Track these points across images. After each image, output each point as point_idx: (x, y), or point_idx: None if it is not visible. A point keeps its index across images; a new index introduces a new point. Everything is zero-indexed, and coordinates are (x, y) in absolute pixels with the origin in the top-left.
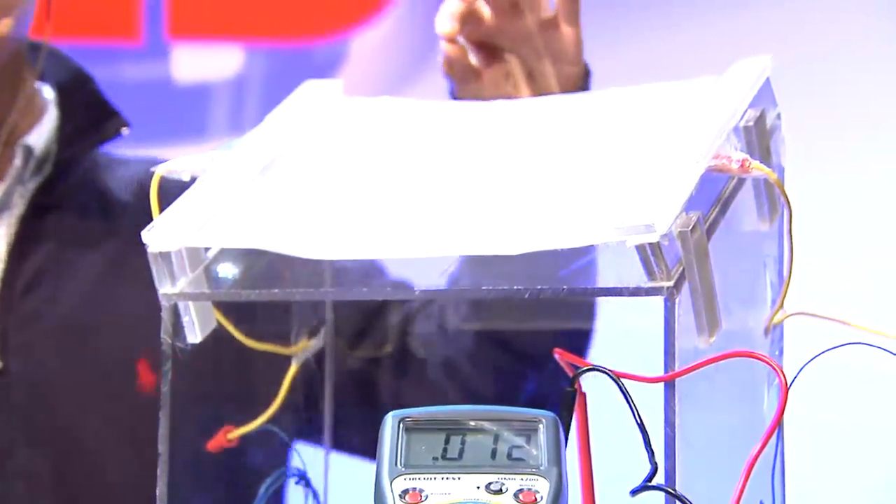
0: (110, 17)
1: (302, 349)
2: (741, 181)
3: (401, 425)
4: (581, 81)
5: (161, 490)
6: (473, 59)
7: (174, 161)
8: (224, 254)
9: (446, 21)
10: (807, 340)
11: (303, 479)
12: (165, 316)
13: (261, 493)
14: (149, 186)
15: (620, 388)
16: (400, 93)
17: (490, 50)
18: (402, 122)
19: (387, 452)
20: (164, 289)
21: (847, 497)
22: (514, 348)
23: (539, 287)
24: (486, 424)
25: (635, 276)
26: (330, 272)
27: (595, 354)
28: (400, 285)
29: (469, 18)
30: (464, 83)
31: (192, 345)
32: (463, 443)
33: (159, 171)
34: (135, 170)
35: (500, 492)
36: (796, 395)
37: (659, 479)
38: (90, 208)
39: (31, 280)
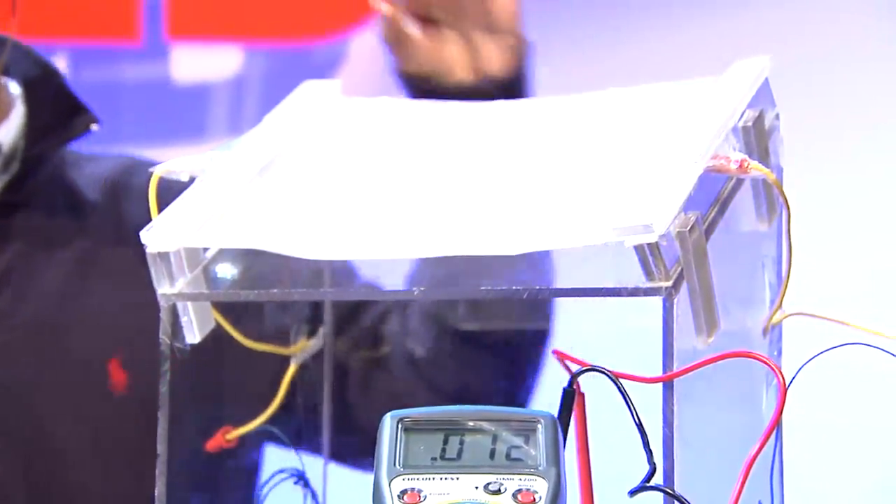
0: (109, 17)
1: (301, 349)
2: (740, 181)
3: (399, 425)
4: (519, 53)
5: (160, 490)
6: (411, 28)
7: (173, 161)
8: (223, 254)
9: None
10: (805, 341)
11: (301, 479)
12: (164, 316)
13: (259, 493)
14: (119, 184)
15: (619, 388)
16: (399, 93)
17: (426, 20)
18: (401, 123)
19: (385, 453)
20: (163, 289)
21: (846, 497)
22: (476, 346)
23: (538, 287)
24: (485, 425)
25: (634, 276)
26: (329, 272)
27: (594, 354)
28: (399, 286)
29: None
30: (400, 51)
31: (191, 345)
32: (461, 443)
33: (159, 172)
34: (104, 167)
35: (498, 492)
36: (795, 395)
37: (657, 479)
38: (59, 206)
39: None
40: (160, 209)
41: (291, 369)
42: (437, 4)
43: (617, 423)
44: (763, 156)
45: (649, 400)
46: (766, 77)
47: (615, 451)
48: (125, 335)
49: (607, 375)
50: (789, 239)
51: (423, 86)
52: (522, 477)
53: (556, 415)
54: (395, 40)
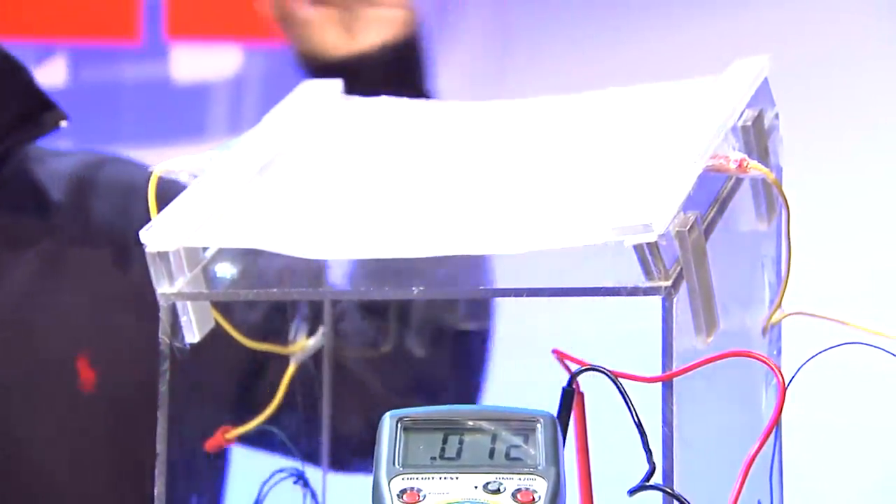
0: (109, 17)
1: (300, 349)
2: (739, 181)
3: (398, 425)
4: (409, 26)
5: (159, 490)
6: (296, 6)
7: (173, 161)
8: (222, 253)
9: None
10: (805, 340)
11: (301, 479)
12: (164, 316)
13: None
14: (84, 180)
15: (618, 387)
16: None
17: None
18: (401, 122)
19: (384, 452)
20: (163, 288)
21: (845, 497)
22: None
23: (537, 287)
24: (484, 424)
25: (633, 275)
26: (328, 272)
27: (593, 354)
28: (399, 285)
29: None
30: (289, 30)
31: (190, 344)
32: (461, 442)
33: (158, 171)
34: (68, 163)
35: (497, 491)
36: (794, 394)
37: (657, 478)
38: (25, 204)
39: None
40: (137, 207)
41: (291, 369)
42: None
43: (616, 423)
44: (762, 155)
45: (649, 399)
46: (765, 76)
47: (614, 451)
48: (92, 333)
49: (607, 375)
50: (789, 238)
51: (310, 64)
52: (522, 476)
53: (555, 414)
54: (284, 20)
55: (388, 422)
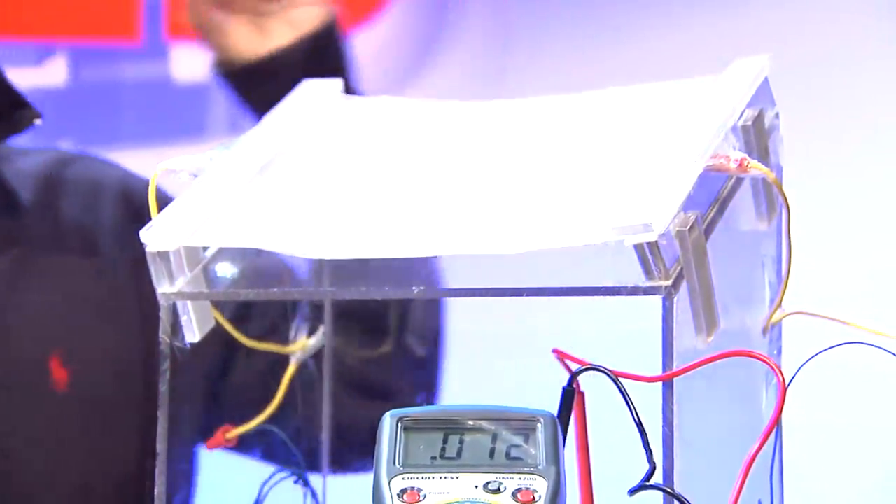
0: (109, 16)
1: (300, 348)
2: (739, 181)
3: (399, 424)
4: (323, 21)
5: (159, 490)
6: (211, 14)
7: (173, 160)
8: (222, 253)
9: None
10: (805, 340)
11: (301, 478)
12: (164, 315)
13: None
14: (52, 179)
15: (619, 387)
16: (400, 92)
17: (225, 4)
18: (402, 122)
19: (385, 452)
20: (163, 288)
21: (845, 496)
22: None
23: (537, 287)
24: (485, 424)
25: (633, 275)
26: (329, 271)
27: (593, 354)
28: (399, 285)
29: None
30: (206, 37)
31: (191, 344)
32: (461, 442)
33: (158, 171)
34: (35, 162)
35: (498, 491)
36: (795, 394)
37: (657, 478)
38: None
39: None
40: (106, 205)
41: (291, 368)
42: None
43: (617, 423)
44: (763, 155)
45: (649, 399)
46: (765, 76)
47: (615, 451)
48: (64, 333)
49: (607, 374)
50: (789, 238)
51: (228, 70)
52: (522, 476)
53: (555, 414)
54: (200, 28)
55: (388, 421)
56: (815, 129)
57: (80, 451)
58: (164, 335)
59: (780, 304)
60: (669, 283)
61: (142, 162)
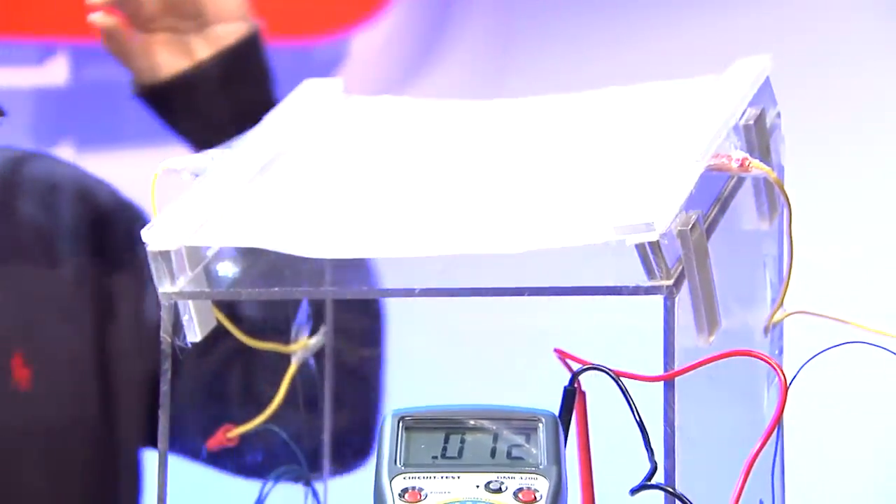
0: None
1: (301, 348)
2: (741, 180)
3: (400, 424)
4: (243, 35)
5: (159, 491)
6: (129, 37)
7: (173, 160)
8: (224, 253)
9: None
10: (806, 339)
11: (301, 478)
12: (165, 315)
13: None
14: (6, 179)
15: (620, 387)
16: (400, 92)
17: (141, 24)
18: (403, 122)
19: (386, 451)
20: (164, 287)
21: (846, 496)
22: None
23: (538, 287)
24: (486, 423)
25: (635, 275)
26: (330, 271)
27: (595, 353)
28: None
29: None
30: (126, 61)
31: (192, 343)
32: (462, 442)
33: (159, 171)
34: None
35: (499, 491)
36: (796, 393)
37: (658, 478)
38: None
39: None
40: (62, 204)
41: (292, 368)
42: (148, 8)
43: (618, 422)
44: (764, 154)
45: (650, 399)
46: (767, 76)
47: (616, 450)
48: (24, 332)
49: (608, 374)
50: (790, 237)
51: (149, 89)
52: (523, 476)
53: (557, 414)
54: (119, 53)
55: (389, 421)
56: (817, 129)
57: (44, 449)
58: (165, 335)
59: (781, 304)
60: (671, 282)
61: (142, 162)
